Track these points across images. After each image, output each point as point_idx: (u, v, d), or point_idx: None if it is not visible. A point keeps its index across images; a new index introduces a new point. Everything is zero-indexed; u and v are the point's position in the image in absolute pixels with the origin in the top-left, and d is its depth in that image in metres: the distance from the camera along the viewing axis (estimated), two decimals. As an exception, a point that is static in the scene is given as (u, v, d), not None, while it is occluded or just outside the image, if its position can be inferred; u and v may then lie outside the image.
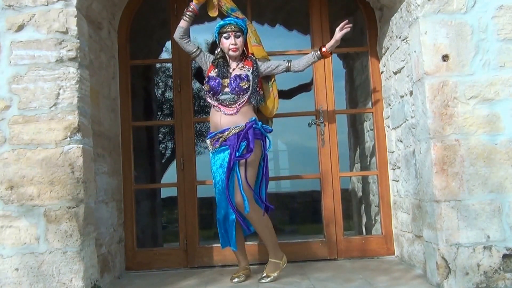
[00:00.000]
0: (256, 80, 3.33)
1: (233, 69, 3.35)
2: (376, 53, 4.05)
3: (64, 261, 2.80)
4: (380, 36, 3.96)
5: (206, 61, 3.45)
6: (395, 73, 3.64)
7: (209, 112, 3.44)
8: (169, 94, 10.80)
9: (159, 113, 10.56)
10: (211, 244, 3.98)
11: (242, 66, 3.35)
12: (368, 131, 5.17)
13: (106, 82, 3.65)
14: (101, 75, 3.52)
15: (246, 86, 3.26)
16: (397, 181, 3.76)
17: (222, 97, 3.28)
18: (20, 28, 2.93)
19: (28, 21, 2.93)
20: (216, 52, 3.41)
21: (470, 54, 2.97)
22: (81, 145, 2.89)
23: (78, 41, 2.95)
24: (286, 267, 3.38)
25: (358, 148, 5.81)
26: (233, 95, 3.26)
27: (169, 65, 9.27)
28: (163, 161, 10.73)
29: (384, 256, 3.92)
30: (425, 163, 3.03)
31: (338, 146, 4.00)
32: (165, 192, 7.94)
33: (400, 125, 3.60)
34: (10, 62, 2.92)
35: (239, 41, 3.32)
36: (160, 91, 10.90)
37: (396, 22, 3.49)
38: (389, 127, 3.90)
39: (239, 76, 3.29)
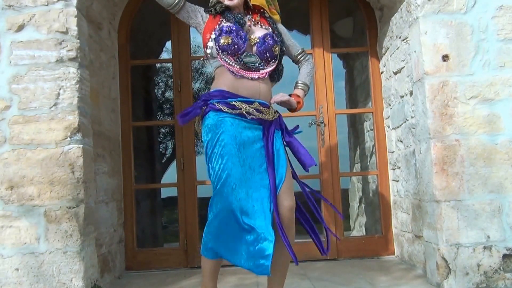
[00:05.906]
0: (283, 49, 2.48)
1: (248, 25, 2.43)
2: (376, 53, 4.05)
3: (64, 261, 2.80)
4: (380, 36, 3.96)
5: (195, 14, 2.47)
6: (395, 73, 3.64)
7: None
8: (169, 94, 10.82)
9: (159, 113, 10.57)
10: (211, 244, 3.98)
11: (259, 23, 2.45)
12: (368, 131, 5.17)
13: (106, 82, 3.64)
14: (101, 75, 3.52)
15: (277, 53, 2.38)
16: (397, 181, 3.76)
17: (247, 59, 2.32)
18: (20, 28, 2.93)
19: (28, 21, 2.93)
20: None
21: (470, 54, 2.97)
22: (81, 145, 2.88)
23: (78, 41, 2.95)
24: (286, 267, 3.36)
25: (358, 148, 5.81)
26: (260, 61, 2.35)
27: (169, 65, 9.27)
28: (163, 161, 10.75)
29: (384, 256, 3.92)
30: (425, 163, 3.03)
31: (338, 146, 4.01)
32: (165, 192, 7.98)
33: (400, 125, 3.60)
34: (10, 62, 2.91)
35: None
36: (160, 91, 10.90)
37: (396, 22, 3.48)
38: (389, 127, 3.90)
39: (272, 37, 2.37)
